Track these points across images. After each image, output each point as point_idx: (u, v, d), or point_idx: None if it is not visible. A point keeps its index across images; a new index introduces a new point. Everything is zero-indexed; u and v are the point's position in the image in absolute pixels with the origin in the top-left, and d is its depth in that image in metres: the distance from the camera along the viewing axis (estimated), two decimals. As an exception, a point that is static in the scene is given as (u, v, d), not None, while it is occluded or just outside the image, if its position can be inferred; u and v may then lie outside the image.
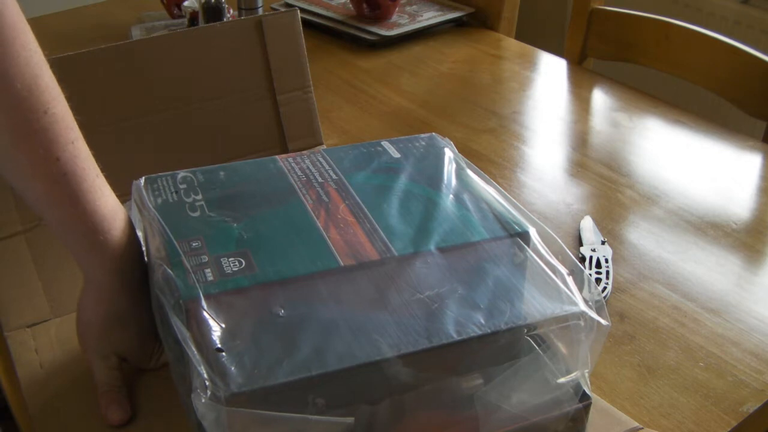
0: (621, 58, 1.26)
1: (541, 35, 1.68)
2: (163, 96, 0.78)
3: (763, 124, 1.08)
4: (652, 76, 1.25)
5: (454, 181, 0.60)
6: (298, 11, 0.86)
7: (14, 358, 0.61)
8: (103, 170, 0.65)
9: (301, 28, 0.85)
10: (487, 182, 0.60)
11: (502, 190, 0.59)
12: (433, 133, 0.67)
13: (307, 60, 0.86)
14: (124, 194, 0.76)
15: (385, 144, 0.65)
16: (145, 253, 0.62)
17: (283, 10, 1.36)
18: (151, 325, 0.56)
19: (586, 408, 0.51)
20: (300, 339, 0.44)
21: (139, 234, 0.61)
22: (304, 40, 0.86)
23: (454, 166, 0.62)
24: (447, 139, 0.66)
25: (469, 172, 0.61)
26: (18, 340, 0.62)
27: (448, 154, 0.63)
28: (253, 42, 0.82)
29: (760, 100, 1.07)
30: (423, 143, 0.65)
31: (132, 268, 0.56)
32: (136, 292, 0.56)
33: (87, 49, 0.73)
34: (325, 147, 0.99)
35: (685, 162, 0.95)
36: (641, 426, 0.56)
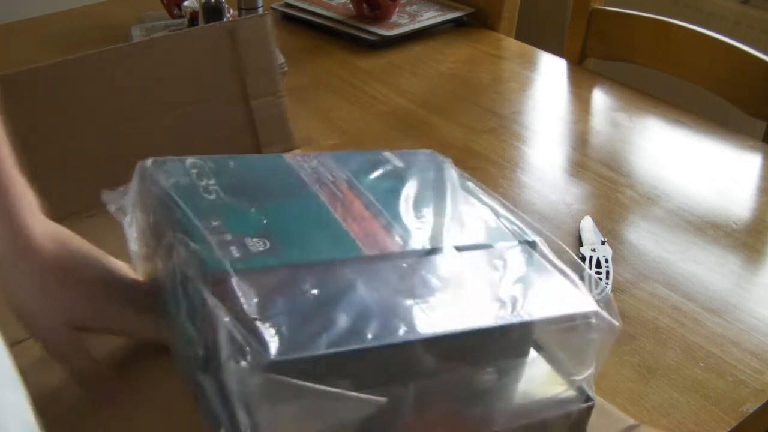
0: (621, 58, 1.26)
1: (541, 35, 1.68)
2: (136, 103, 0.77)
3: (763, 124, 1.08)
4: (652, 76, 1.25)
5: (459, 192, 0.60)
6: (269, 16, 0.85)
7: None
8: (75, 178, 0.63)
9: (273, 32, 0.85)
10: (489, 195, 0.61)
11: (506, 203, 0.60)
12: (432, 150, 0.68)
13: (278, 65, 0.86)
14: (93, 205, 0.75)
15: (387, 154, 0.65)
16: (137, 240, 0.61)
17: (283, 10, 1.36)
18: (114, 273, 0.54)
19: (589, 409, 0.51)
20: (334, 316, 0.44)
21: (126, 221, 0.60)
22: (276, 45, 0.85)
23: (456, 178, 0.62)
24: (446, 156, 0.67)
25: (472, 185, 0.62)
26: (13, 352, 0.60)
27: (449, 169, 0.64)
28: (225, 47, 0.81)
29: (760, 100, 1.07)
30: (424, 158, 0.66)
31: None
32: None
33: (59, 59, 0.72)
34: (317, 151, 0.99)
35: (685, 162, 0.95)
36: (638, 423, 0.57)
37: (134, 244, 0.61)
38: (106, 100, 0.75)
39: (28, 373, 0.58)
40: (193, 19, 1.13)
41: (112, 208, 0.59)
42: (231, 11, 1.14)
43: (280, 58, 1.14)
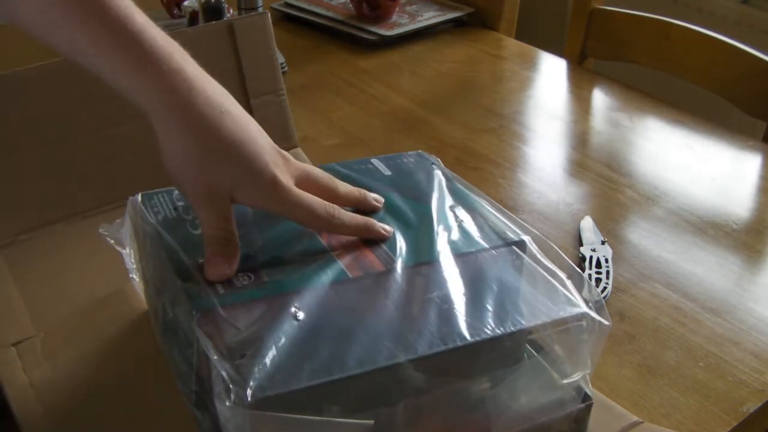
0: (621, 58, 1.26)
1: (541, 35, 1.68)
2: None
3: (763, 124, 1.08)
4: (652, 76, 1.25)
5: (446, 196, 0.60)
6: (269, 13, 0.85)
7: (1, 379, 0.58)
8: (76, 178, 0.61)
9: (272, 30, 0.84)
10: (478, 195, 0.61)
11: (495, 202, 0.60)
12: (420, 151, 0.68)
13: (278, 63, 0.86)
14: (100, 205, 0.75)
15: (375, 162, 0.65)
16: (137, 270, 0.62)
17: (283, 9, 1.36)
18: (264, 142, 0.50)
19: (588, 408, 0.51)
20: (318, 344, 0.44)
21: (127, 251, 0.61)
22: (275, 43, 0.85)
23: (444, 181, 0.62)
24: (434, 156, 0.67)
25: (460, 186, 0.62)
26: (2, 360, 0.59)
27: (437, 170, 0.64)
28: (225, 46, 0.81)
29: (760, 100, 1.07)
30: (411, 160, 0.66)
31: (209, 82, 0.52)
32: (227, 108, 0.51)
33: (59, 58, 0.72)
34: (316, 152, 0.99)
35: (685, 162, 0.95)
36: (641, 420, 0.57)
37: (135, 275, 0.62)
38: (105, 99, 0.75)
39: (27, 371, 0.59)
40: (193, 19, 1.13)
41: (110, 240, 0.60)
42: (231, 11, 1.14)
43: (280, 58, 1.14)
